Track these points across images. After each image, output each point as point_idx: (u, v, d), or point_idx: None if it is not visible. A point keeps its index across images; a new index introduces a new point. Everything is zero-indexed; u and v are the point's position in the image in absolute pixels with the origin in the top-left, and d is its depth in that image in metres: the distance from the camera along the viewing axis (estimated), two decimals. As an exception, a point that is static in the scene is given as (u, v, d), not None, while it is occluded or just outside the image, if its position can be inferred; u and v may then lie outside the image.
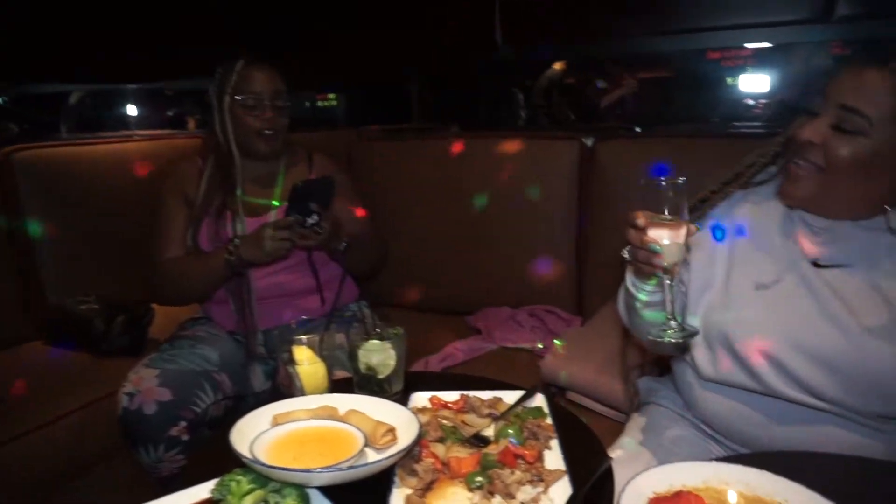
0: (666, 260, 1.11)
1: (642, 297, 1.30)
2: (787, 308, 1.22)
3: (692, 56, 5.14)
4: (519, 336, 2.28)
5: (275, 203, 2.06)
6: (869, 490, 1.00)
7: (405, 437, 1.11)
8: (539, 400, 1.33)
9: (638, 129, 3.27)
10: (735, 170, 1.40)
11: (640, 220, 1.11)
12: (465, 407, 1.30)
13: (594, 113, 5.10)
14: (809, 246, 1.26)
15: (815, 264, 1.24)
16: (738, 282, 1.29)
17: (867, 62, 1.17)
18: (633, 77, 5.16)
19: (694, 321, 1.30)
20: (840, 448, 1.17)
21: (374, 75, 4.45)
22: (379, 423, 1.16)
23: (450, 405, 1.31)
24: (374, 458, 1.08)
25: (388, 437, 1.13)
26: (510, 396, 1.34)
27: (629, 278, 1.32)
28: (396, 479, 1.07)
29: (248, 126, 1.99)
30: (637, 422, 1.50)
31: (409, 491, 1.03)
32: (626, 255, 1.21)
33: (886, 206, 1.21)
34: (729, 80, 5.68)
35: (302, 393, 1.31)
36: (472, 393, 1.34)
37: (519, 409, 1.29)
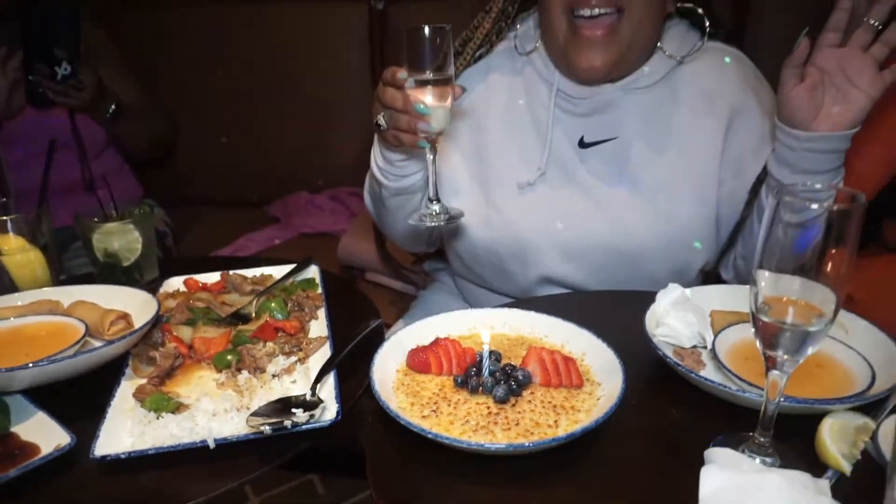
0: (434, 125, 0.96)
1: (391, 182, 1.13)
2: (552, 204, 1.14)
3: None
4: (318, 221, 2.14)
5: None
6: (614, 314, 1.02)
7: (142, 323, 0.94)
8: (313, 272, 1.22)
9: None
10: (474, 22, 1.21)
11: (404, 73, 0.93)
12: (227, 287, 1.15)
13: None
14: (574, 125, 1.15)
15: (581, 144, 1.15)
16: (496, 182, 1.16)
17: None
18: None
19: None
20: None
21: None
22: (108, 311, 0.97)
23: (208, 286, 1.16)
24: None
25: (120, 326, 0.96)
26: (281, 272, 1.21)
27: (378, 160, 1.14)
28: (128, 371, 0.91)
29: None
30: (423, 298, 1.47)
31: (142, 381, 0.88)
32: (381, 122, 1.02)
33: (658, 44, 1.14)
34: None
35: (14, 288, 1.07)
36: (235, 271, 1.19)
37: (288, 282, 1.16)
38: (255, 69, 2.24)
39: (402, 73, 0.93)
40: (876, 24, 0.88)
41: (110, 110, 1.75)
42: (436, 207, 1.03)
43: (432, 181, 1.03)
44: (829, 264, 0.59)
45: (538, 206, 1.14)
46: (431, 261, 1.59)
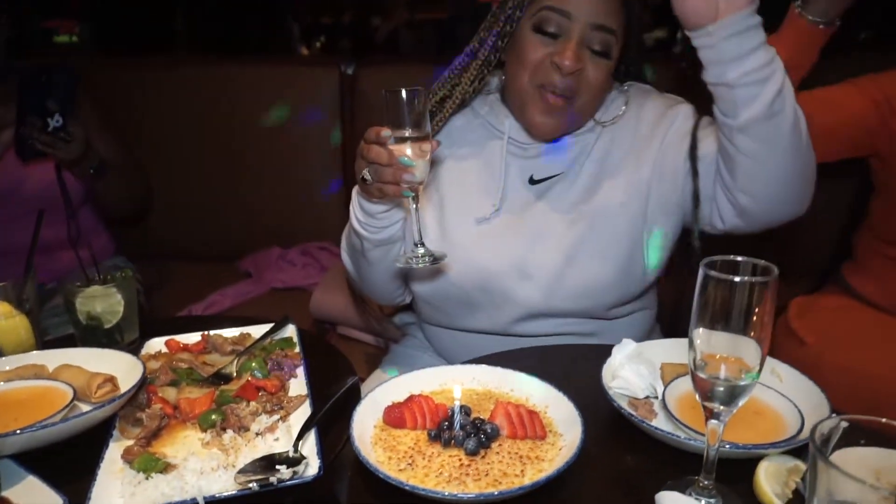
0: (417, 175, 1.05)
1: (373, 235, 1.21)
2: (507, 237, 1.24)
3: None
4: (290, 276, 2.20)
5: None
6: (574, 367, 1.11)
7: (128, 386, 0.99)
8: (290, 331, 1.27)
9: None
10: (451, 81, 1.30)
11: (388, 131, 1.02)
12: (208, 347, 1.20)
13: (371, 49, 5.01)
14: (524, 166, 1.29)
15: (531, 181, 1.28)
16: (456, 220, 1.27)
17: None
18: (406, 11, 5.14)
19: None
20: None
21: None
22: (95, 374, 1.01)
23: (189, 347, 1.20)
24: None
25: (107, 389, 1.00)
26: (260, 331, 1.26)
27: (358, 215, 1.20)
28: (115, 433, 0.94)
29: None
30: (394, 352, 1.54)
31: (129, 442, 0.92)
32: (367, 176, 1.10)
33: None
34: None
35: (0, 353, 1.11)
36: (215, 331, 1.24)
37: (266, 342, 1.22)
38: (228, 127, 2.30)
39: (386, 132, 1.02)
40: None
41: (94, 166, 1.77)
42: (421, 250, 1.11)
43: (416, 227, 1.11)
44: (753, 324, 0.69)
45: (495, 237, 1.26)
46: (402, 314, 1.65)
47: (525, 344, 1.27)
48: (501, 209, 1.27)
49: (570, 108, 1.20)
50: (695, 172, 1.18)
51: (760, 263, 0.70)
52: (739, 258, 0.71)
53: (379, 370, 1.49)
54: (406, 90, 1.01)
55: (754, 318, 0.69)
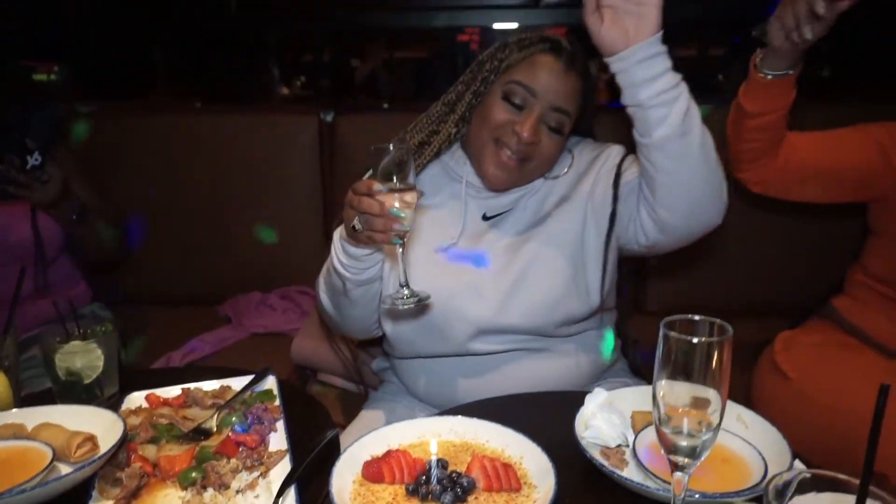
0: (406, 224, 1.11)
1: (355, 276, 1.27)
2: (462, 262, 1.36)
3: (445, 36, 5.39)
4: (270, 321, 2.20)
5: None
6: (549, 416, 1.13)
7: (108, 445, 0.99)
8: (270, 382, 1.29)
9: (386, 106, 3.32)
10: (428, 128, 1.44)
11: (378, 185, 1.10)
12: (188, 401, 1.21)
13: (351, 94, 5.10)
14: (479, 204, 1.44)
15: (485, 217, 1.43)
16: (419, 250, 1.38)
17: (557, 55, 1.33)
18: (385, 52, 5.25)
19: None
20: (532, 372, 1.37)
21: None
22: (75, 433, 1.02)
23: (169, 401, 1.21)
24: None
25: (87, 448, 1.01)
26: (240, 383, 1.27)
27: (341, 258, 1.26)
28: (95, 493, 0.95)
29: None
30: (371, 400, 1.56)
31: (109, 503, 0.93)
32: (357, 225, 1.15)
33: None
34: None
35: (-23, 413, 1.11)
36: (195, 385, 1.25)
37: (247, 395, 1.23)
38: (206, 172, 2.31)
39: (377, 186, 1.10)
40: None
41: (76, 212, 1.75)
42: (406, 291, 1.17)
43: (402, 269, 1.17)
44: (712, 376, 0.73)
45: (452, 263, 1.38)
46: (379, 360, 1.68)
47: (481, 362, 1.38)
48: (458, 242, 1.40)
49: (521, 168, 1.35)
50: (615, 197, 1.35)
51: (717, 322, 0.74)
52: (697, 317, 0.75)
53: (359, 417, 1.51)
54: (393, 146, 1.09)
55: (713, 371, 0.73)
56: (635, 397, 1.11)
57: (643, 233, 1.30)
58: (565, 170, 1.44)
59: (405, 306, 1.16)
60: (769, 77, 1.45)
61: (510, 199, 1.43)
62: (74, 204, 1.76)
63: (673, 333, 0.72)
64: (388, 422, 1.37)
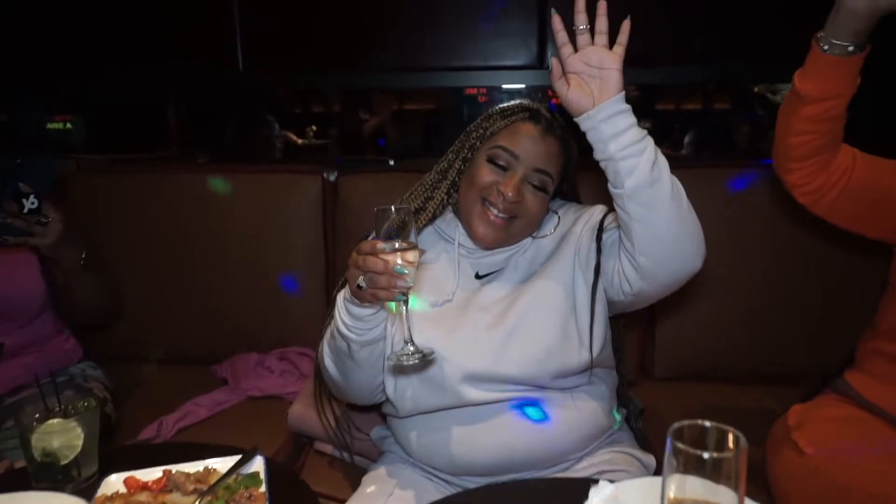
0: (409, 280, 1.15)
1: (360, 336, 1.28)
2: (457, 317, 1.40)
3: (452, 92, 5.46)
4: (268, 384, 2.14)
5: None
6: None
7: (77, 540, 0.93)
8: (257, 464, 1.22)
9: (392, 163, 3.33)
10: (423, 195, 1.54)
11: (383, 244, 1.14)
12: (168, 485, 1.15)
13: (359, 144, 5.15)
14: (471, 264, 1.51)
15: (477, 276, 1.49)
16: (416, 306, 1.41)
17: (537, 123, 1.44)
18: (391, 106, 5.32)
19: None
20: (528, 426, 1.36)
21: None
22: (42, 527, 0.96)
23: (149, 485, 1.15)
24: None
25: (54, 543, 0.95)
26: (225, 464, 1.21)
27: (346, 320, 1.28)
28: None
29: None
30: (371, 472, 1.50)
31: None
32: (362, 284, 1.18)
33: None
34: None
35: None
36: (177, 467, 1.19)
37: (231, 478, 1.17)
38: (208, 231, 2.30)
39: (382, 245, 1.14)
40: (582, 27, 1.21)
41: (83, 256, 1.71)
42: (411, 348, 1.21)
43: (407, 326, 1.22)
44: (726, 477, 0.67)
45: (449, 318, 1.41)
46: (378, 428, 1.62)
47: (478, 413, 1.37)
48: (453, 300, 1.45)
49: (508, 226, 1.43)
50: (598, 250, 1.42)
51: (730, 431, 0.68)
52: (707, 424, 0.70)
53: (356, 495, 1.44)
54: (395, 208, 1.15)
55: (725, 475, 0.67)
56: (642, 490, 1.04)
57: (626, 281, 1.34)
58: (552, 229, 1.53)
59: (410, 362, 1.20)
60: (832, 53, 1.36)
61: (501, 258, 1.50)
62: (79, 248, 1.71)
63: (681, 445, 0.66)
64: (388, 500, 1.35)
